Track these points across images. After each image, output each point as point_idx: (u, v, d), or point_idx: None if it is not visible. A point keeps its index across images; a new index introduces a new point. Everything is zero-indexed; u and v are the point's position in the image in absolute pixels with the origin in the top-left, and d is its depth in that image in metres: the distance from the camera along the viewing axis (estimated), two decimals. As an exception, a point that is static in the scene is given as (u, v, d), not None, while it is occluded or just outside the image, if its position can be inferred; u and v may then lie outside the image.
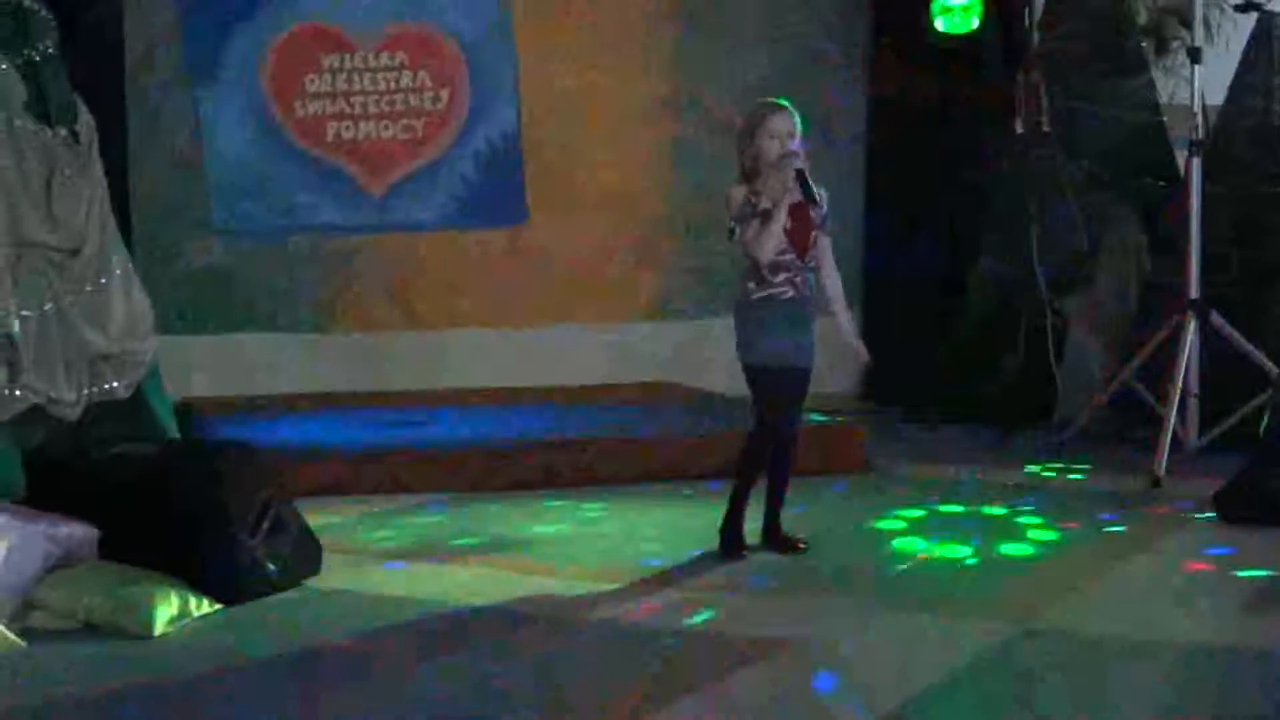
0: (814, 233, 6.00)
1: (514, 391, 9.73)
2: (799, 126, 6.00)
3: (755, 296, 5.98)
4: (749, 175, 5.99)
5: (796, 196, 5.92)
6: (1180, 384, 7.99)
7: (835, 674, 4.62)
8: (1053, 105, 9.47)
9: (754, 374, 6.04)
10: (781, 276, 5.95)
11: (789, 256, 5.94)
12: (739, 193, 5.97)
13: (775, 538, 6.18)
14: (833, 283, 6.14)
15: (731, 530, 6.12)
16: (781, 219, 5.87)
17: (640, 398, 9.62)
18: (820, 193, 5.96)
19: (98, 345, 6.29)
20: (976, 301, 9.92)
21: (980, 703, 4.45)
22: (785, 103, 6.07)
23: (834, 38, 10.66)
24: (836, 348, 6.25)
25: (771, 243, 5.88)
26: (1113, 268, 9.46)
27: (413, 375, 9.99)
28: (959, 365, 9.88)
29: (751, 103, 6.44)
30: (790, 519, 6.27)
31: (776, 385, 6.01)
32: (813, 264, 6.03)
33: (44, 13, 6.39)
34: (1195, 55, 8.29)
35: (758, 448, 6.12)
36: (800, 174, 5.91)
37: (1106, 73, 9.54)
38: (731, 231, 6.00)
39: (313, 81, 9.96)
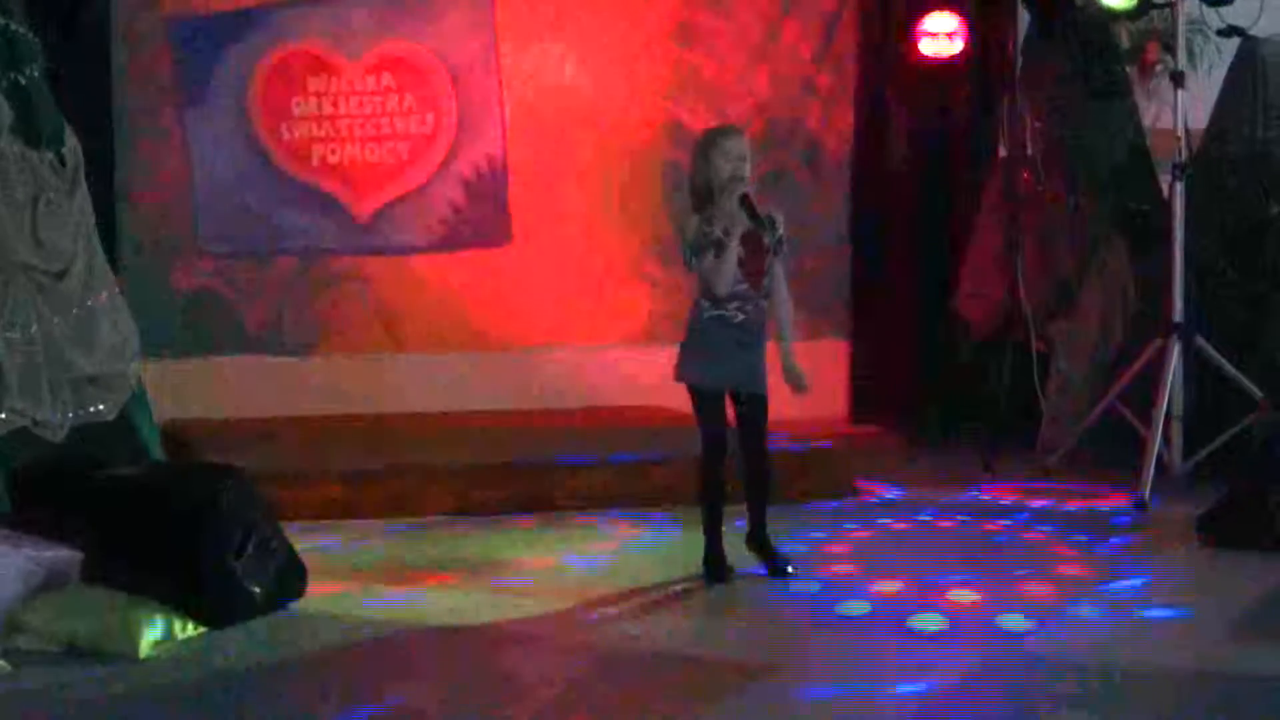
0: (768, 259, 5.99)
1: (500, 414, 9.72)
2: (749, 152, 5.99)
3: (707, 316, 6.00)
4: (702, 200, 5.98)
5: (747, 225, 5.92)
6: (1164, 407, 8.00)
7: (818, 698, 4.63)
8: (1036, 129, 9.50)
9: (695, 394, 6.07)
10: (735, 304, 5.96)
11: (742, 287, 5.95)
12: (693, 222, 5.98)
13: (764, 550, 6.17)
14: (784, 309, 6.12)
15: (712, 556, 6.11)
16: (735, 249, 5.87)
17: (628, 421, 9.61)
18: (774, 216, 5.96)
19: (84, 367, 6.29)
20: (962, 326, 9.94)
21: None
22: (737, 128, 6.08)
23: (822, 61, 10.68)
24: (819, 373, 6.25)
25: (727, 275, 5.89)
26: (1099, 292, 9.47)
27: (400, 398, 9.99)
28: (945, 389, 9.90)
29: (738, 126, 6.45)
30: (775, 543, 6.26)
31: (718, 407, 6.02)
32: (766, 292, 6.03)
33: (31, 36, 6.40)
34: (1178, 79, 8.32)
35: (707, 469, 6.12)
36: (745, 200, 5.89)
37: (1090, 97, 9.57)
38: (688, 263, 6.01)
39: (299, 105, 9.98)
